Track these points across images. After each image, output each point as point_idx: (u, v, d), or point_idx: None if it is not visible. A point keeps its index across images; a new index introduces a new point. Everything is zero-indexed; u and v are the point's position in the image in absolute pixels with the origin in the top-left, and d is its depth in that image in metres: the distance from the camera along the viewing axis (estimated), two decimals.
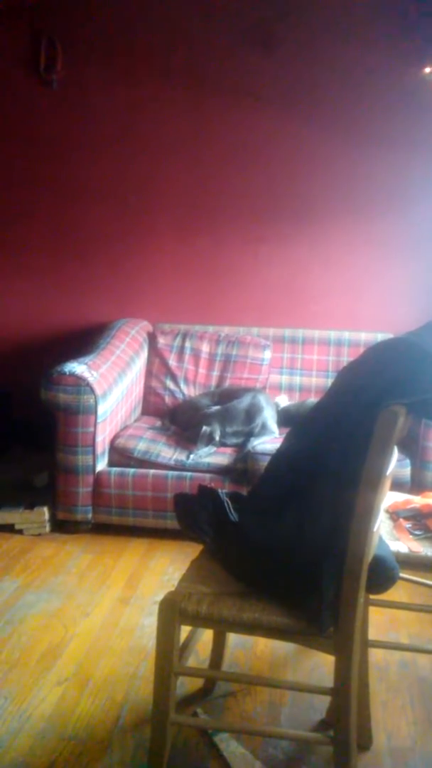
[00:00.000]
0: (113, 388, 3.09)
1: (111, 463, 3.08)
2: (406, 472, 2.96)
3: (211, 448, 3.08)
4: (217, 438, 3.10)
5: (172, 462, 3.01)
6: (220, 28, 3.46)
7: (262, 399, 3.24)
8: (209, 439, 3.08)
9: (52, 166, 3.67)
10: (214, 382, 3.50)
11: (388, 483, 1.57)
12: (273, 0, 3.41)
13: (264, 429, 3.15)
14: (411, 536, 1.87)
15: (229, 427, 3.12)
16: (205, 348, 3.54)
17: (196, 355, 3.53)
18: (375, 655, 2.14)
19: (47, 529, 3.04)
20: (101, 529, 3.06)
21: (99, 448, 3.00)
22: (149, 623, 2.35)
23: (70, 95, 3.58)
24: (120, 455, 3.07)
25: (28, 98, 3.61)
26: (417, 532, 1.89)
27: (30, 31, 3.52)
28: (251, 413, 3.16)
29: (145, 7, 3.47)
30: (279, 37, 3.42)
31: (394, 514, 1.99)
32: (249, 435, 3.12)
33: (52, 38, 3.50)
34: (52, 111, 3.61)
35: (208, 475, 2.98)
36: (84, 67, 3.55)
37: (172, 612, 1.57)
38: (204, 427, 3.09)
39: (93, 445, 2.96)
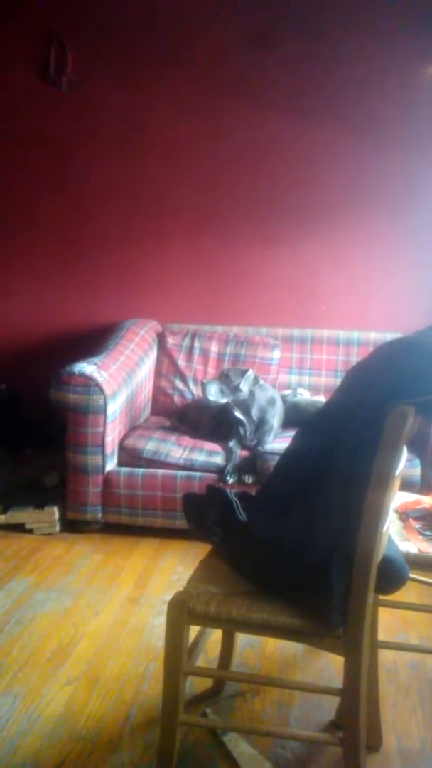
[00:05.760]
0: (122, 388, 3.10)
1: (120, 463, 3.09)
2: (416, 472, 2.94)
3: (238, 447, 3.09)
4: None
5: (181, 462, 3.01)
6: (227, 29, 3.46)
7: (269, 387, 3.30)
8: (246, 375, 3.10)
9: (61, 167, 3.68)
10: None
11: (397, 483, 1.56)
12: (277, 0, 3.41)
13: (272, 403, 3.17)
14: (421, 536, 1.86)
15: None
16: (214, 348, 3.54)
17: (205, 355, 3.53)
18: (385, 656, 2.13)
19: (57, 528, 3.05)
20: (111, 528, 3.07)
21: (108, 448, 3.00)
22: (158, 623, 2.35)
23: (80, 97, 3.59)
24: (129, 455, 3.07)
25: (38, 100, 3.62)
26: (427, 533, 1.88)
27: (40, 33, 3.54)
28: (258, 379, 3.18)
29: (153, 10, 3.47)
30: (285, 38, 3.41)
31: (404, 515, 1.98)
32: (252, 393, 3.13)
33: (62, 40, 3.51)
34: (61, 112, 3.62)
35: (217, 475, 2.98)
36: (93, 69, 3.56)
37: (181, 612, 1.57)
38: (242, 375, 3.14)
39: (102, 445, 2.97)
